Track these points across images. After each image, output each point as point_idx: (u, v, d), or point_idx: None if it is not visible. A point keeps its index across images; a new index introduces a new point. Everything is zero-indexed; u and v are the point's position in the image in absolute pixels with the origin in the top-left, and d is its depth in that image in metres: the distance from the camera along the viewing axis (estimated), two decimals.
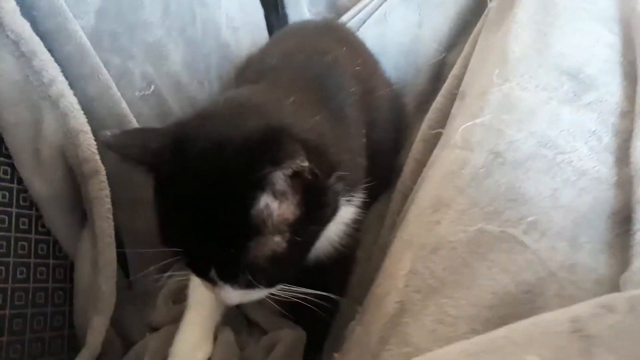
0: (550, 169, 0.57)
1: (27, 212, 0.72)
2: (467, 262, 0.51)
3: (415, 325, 0.49)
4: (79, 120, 0.71)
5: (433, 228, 0.57)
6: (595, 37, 0.75)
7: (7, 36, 0.67)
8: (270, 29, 1.23)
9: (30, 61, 0.68)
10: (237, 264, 0.53)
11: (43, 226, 0.74)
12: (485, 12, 0.94)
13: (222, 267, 0.54)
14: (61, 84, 0.70)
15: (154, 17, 0.90)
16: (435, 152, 0.73)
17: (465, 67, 0.87)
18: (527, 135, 0.61)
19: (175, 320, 0.76)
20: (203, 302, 0.73)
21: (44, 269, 0.74)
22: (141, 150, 0.54)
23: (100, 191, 0.72)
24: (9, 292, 0.68)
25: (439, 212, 0.59)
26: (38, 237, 0.73)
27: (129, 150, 0.55)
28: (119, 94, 0.78)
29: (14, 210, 0.70)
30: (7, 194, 0.70)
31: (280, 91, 0.63)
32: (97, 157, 0.72)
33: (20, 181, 0.71)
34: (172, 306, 0.82)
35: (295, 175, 0.50)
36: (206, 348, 0.71)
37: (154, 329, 0.81)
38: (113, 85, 0.77)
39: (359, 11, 1.21)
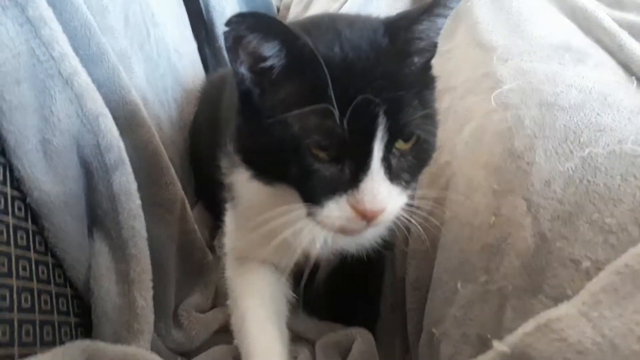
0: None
1: (24, 224, 0.56)
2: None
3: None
4: (97, 101, 0.58)
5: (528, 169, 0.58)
6: (560, 21, 0.86)
7: None
8: (204, 62, 1.19)
9: (38, 30, 0.55)
10: (408, 118, 0.49)
11: (41, 243, 0.57)
12: None
13: (393, 121, 0.48)
14: (74, 60, 0.57)
15: (118, 24, 0.80)
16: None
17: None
18: (567, 88, 0.66)
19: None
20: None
21: (47, 297, 0.56)
22: None
23: (129, 184, 0.59)
24: (15, 326, 0.51)
25: (521, 159, 0.60)
26: (38, 256, 0.56)
27: None
28: (126, 79, 0.66)
29: (10, 220, 0.54)
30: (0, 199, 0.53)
31: None
32: (121, 144, 0.59)
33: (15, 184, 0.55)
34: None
35: None
36: None
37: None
38: (121, 69, 0.66)
39: None
